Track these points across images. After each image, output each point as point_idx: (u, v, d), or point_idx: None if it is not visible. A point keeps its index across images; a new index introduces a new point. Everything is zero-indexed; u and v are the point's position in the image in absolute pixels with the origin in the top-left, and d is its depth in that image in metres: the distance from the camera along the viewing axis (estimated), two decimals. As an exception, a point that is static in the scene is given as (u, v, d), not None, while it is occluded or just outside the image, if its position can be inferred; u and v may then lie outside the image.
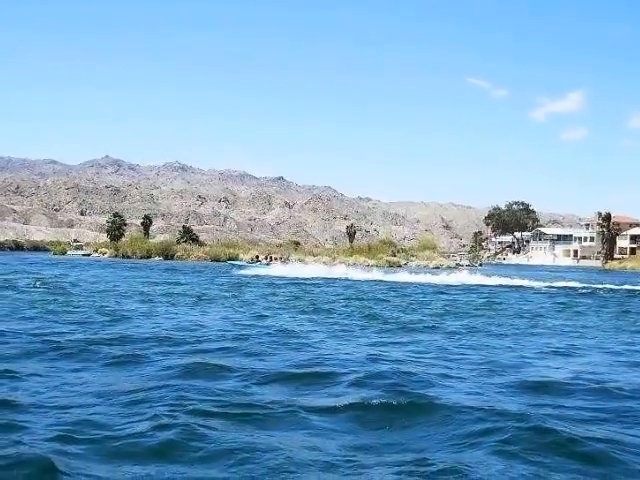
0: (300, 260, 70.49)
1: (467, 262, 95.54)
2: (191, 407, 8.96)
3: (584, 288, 43.56)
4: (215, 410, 8.91)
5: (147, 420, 8.33)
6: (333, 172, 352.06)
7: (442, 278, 48.69)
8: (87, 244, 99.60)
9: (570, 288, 43.55)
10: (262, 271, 52.40)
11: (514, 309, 27.13)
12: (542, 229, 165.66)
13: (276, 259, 64.70)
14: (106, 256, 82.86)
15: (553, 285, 45.46)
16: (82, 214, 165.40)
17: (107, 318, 19.19)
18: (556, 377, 12.03)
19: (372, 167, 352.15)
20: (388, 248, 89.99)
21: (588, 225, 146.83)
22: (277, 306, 25.27)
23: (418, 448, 7.77)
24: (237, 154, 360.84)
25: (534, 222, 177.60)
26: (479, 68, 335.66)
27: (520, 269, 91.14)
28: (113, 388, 10.10)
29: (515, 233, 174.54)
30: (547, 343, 17.02)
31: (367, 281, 45.79)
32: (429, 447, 7.81)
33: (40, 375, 10.98)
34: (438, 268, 74.29)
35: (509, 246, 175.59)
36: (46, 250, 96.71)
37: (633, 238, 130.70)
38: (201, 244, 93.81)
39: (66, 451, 7.15)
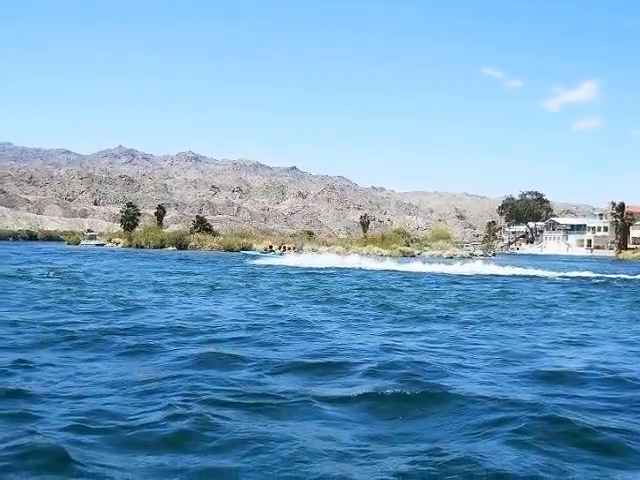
0: (313, 250, 70.44)
1: (481, 252, 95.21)
2: (205, 397, 8.97)
3: (598, 278, 43.32)
4: (229, 400, 8.91)
5: (161, 410, 8.35)
6: (347, 162, 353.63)
7: (455, 268, 48.62)
8: (101, 234, 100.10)
9: (584, 278, 43.33)
10: (275, 261, 52.44)
11: (528, 299, 27.03)
12: (556, 219, 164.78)
13: (289, 249, 64.74)
14: (120, 246, 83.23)
15: (567, 275, 45.21)
16: (96, 204, 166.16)
17: (121, 308, 19.26)
18: (570, 367, 11.97)
19: (386, 157, 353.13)
20: (402, 238, 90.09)
21: (602, 215, 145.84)
22: (291, 296, 25.29)
23: (432, 438, 7.75)
24: (250, 144, 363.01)
25: (548, 212, 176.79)
26: (494, 58, 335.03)
27: (533, 259, 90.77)
28: (127, 378, 10.13)
29: (529, 223, 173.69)
30: (561, 333, 16.95)
31: (381, 271, 45.76)
32: (443, 437, 7.80)
33: (54, 365, 11.02)
34: (452, 258, 74.22)
35: (522, 236, 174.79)
36: (60, 240, 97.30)
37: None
38: (215, 234, 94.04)
39: (80, 441, 7.17)
